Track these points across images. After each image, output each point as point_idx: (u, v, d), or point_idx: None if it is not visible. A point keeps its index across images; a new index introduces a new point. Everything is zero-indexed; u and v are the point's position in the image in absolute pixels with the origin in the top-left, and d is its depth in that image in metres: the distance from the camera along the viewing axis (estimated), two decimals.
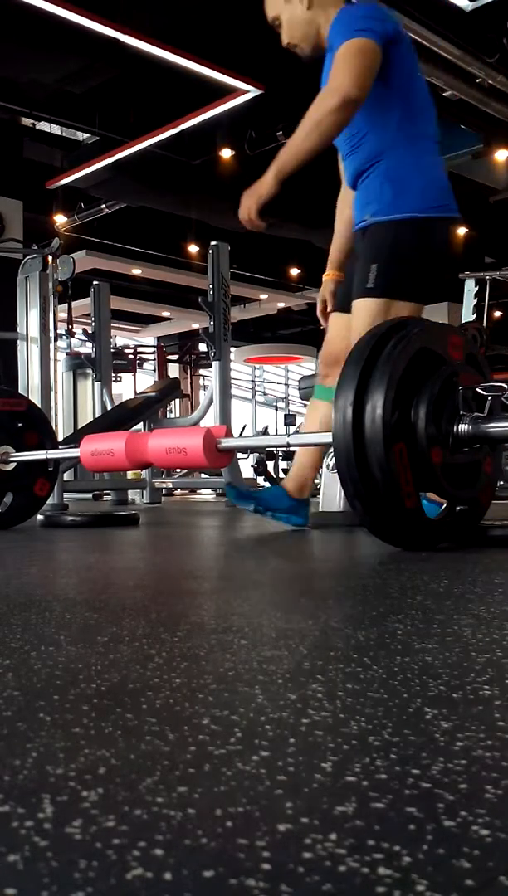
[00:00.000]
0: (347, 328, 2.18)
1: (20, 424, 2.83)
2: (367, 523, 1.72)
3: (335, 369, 1.91)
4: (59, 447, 3.06)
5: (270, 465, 10.56)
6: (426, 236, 2.08)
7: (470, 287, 6.74)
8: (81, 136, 8.09)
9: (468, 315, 6.68)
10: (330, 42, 2.09)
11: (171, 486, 6.88)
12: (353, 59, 1.95)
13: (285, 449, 10.07)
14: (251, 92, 6.24)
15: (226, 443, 2.14)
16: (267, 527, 2.64)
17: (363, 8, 2.11)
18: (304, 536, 2.35)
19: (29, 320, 5.37)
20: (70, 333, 7.81)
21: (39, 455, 2.71)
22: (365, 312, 2.09)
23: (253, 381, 17.86)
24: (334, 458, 1.79)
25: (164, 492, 7.09)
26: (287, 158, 2.01)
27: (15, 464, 2.76)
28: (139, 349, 14.14)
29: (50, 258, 5.32)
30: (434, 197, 2.09)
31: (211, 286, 5.13)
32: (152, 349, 14.82)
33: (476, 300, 6.70)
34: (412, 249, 2.09)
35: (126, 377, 13.06)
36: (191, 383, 15.83)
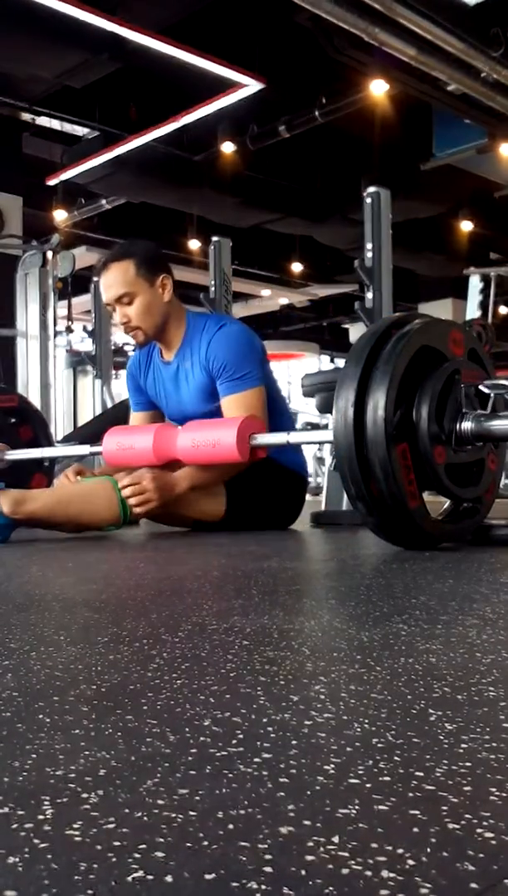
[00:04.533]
0: None
1: (13, 420, 2.83)
2: (370, 524, 1.71)
3: None
4: (57, 444, 3.06)
5: None
6: None
7: (475, 283, 6.72)
8: (82, 131, 8.06)
9: (472, 312, 6.66)
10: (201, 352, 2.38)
11: None
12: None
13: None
14: (253, 86, 6.19)
15: (261, 439, 2.08)
16: (268, 526, 2.63)
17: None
18: (307, 536, 2.34)
19: (28, 317, 5.37)
20: (69, 330, 7.79)
21: (35, 453, 2.69)
22: None
23: None
24: (335, 458, 1.78)
25: None
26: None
27: (9, 462, 2.73)
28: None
29: (49, 254, 5.31)
30: None
31: (213, 282, 5.11)
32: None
33: (481, 297, 6.67)
34: None
35: None
36: None
